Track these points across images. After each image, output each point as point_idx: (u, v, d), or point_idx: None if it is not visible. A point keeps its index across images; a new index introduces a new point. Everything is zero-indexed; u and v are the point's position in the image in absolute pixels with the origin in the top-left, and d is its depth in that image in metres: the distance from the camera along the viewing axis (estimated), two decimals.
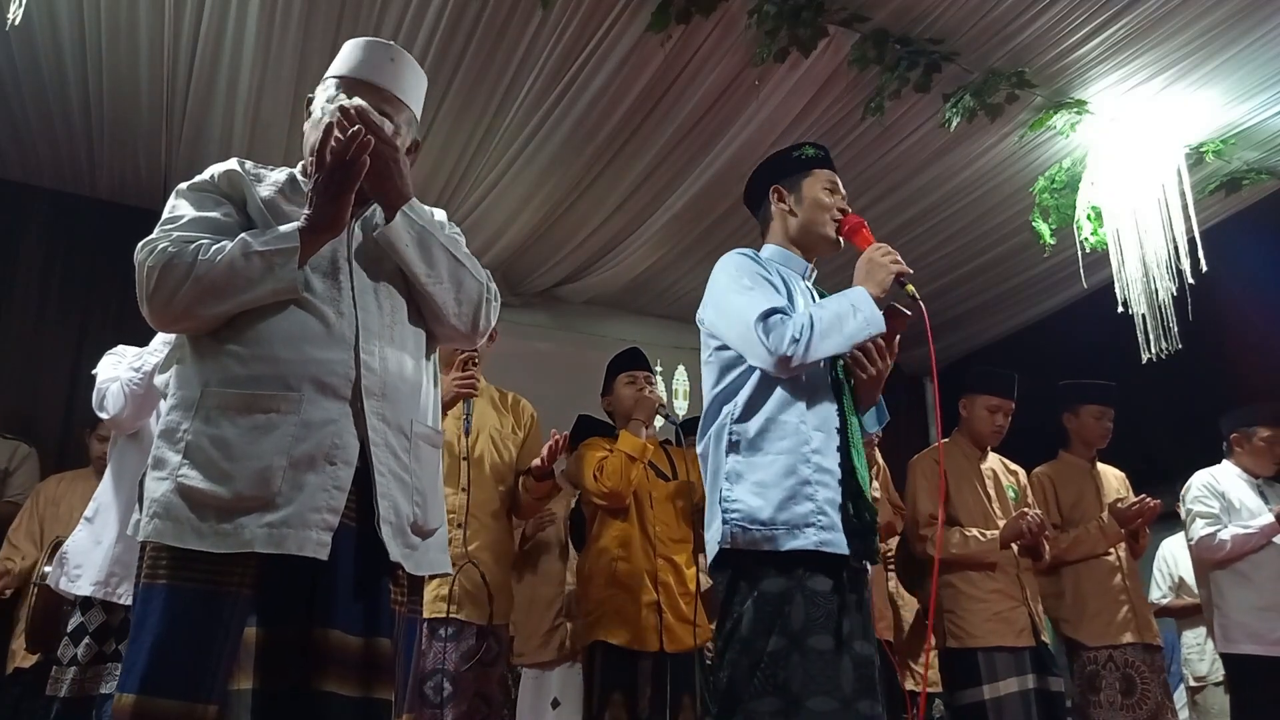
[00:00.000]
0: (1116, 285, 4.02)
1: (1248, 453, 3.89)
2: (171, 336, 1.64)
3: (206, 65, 3.73)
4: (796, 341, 1.92)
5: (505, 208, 4.67)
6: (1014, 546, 3.35)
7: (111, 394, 2.53)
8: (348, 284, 1.58)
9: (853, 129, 4.06)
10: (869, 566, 2.02)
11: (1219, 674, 4.16)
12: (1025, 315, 5.77)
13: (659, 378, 3.64)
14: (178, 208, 1.60)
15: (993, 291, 5.53)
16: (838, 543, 1.89)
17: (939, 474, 3.48)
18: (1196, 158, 4.13)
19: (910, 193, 4.56)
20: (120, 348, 2.71)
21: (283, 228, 1.53)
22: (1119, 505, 3.56)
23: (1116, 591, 3.52)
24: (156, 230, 1.56)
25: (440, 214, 1.83)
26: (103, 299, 4.62)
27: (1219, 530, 3.73)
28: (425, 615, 2.61)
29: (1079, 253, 4.17)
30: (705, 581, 3.15)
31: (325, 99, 1.68)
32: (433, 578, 2.60)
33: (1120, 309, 4.00)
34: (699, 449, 2.11)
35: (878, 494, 3.44)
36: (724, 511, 1.95)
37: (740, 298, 2.05)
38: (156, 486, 1.44)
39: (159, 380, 1.60)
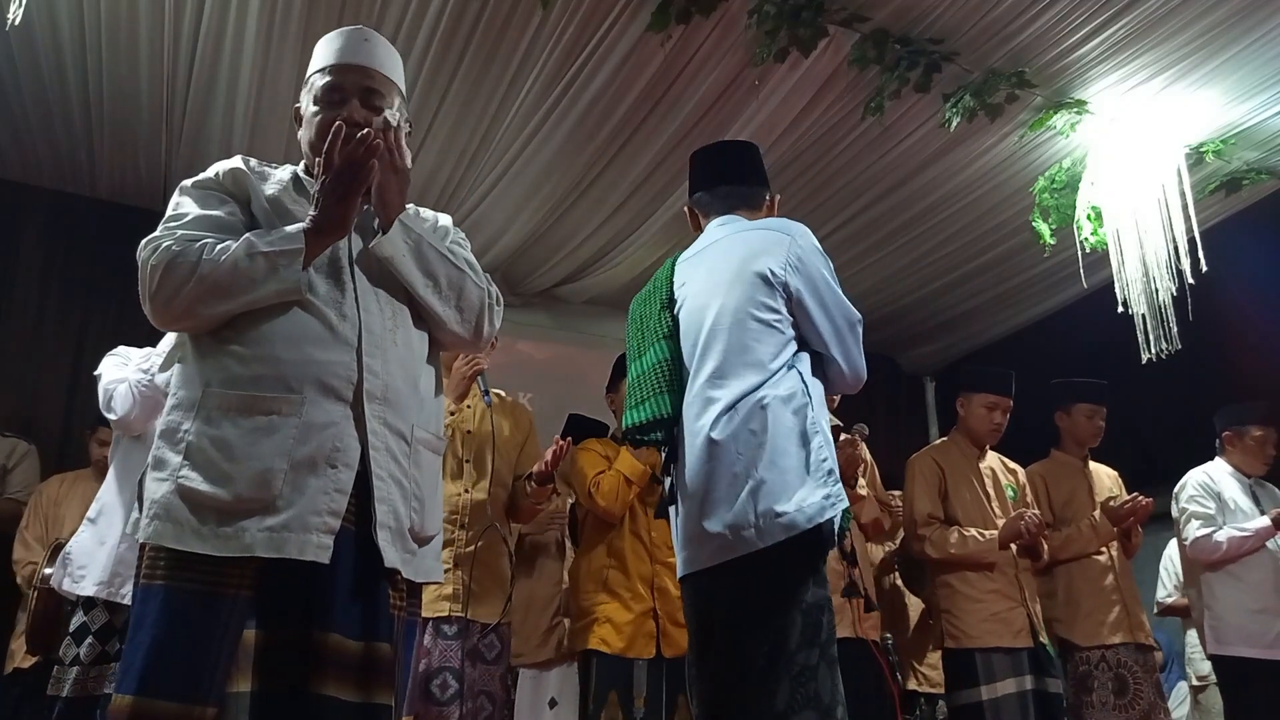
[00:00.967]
0: (1116, 285, 4.02)
1: (1239, 451, 3.90)
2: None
3: (206, 65, 3.73)
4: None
5: (505, 208, 4.67)
6: (1013, 547, 3.35)
7: (120, 395, 2.52)
8: (351, 286, 1.57)
9: (853, 129, 4.06)
10: None
11: None
12: (1025, 315, 5.76)
13: None
14: (181, 205, 1.60)
15: (993, 291, 5.52)
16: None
17: (936, 473, 3.48)
18: (1196, 158, 4.13)
19: (910, 193, 4.55)
20: (121, 349, 2.71)
21: (288, 229, 1.53)
22: (1111, 504, 3.55)
23: (1109, 591, 3.51)
24: (160, 228, 1.55)
25: (445, 219, 1.83)
26: (103, 299, 4.62)
27: (1215, 531, 3.73)
28: (430, 614, 2.62)
29: (1079, 253, 4.17)
30: None
31: (314, 97, 1.67)
32: None
33: (1120, 309, 4.00)
34: (724, 420, 1.90)
35: (864, 491, 3.41)
36: (828, 495, 1.83)
37: (841, 292, 2.03)
38: (157, 487, 1.43)
39: (160, 379, 1.60)
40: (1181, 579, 4.59)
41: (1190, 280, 3.85)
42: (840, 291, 2.03)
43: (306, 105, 1.70)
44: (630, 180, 4.43)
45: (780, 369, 1.94)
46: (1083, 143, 4.07)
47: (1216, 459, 3.96)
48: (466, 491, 2.81)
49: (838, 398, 2.98)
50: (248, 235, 1.51)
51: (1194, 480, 3.88)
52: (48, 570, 3.07)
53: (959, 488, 3.46)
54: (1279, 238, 4.43)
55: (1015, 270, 5.25)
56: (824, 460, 1.86)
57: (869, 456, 3.62)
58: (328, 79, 1.67)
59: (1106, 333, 4.22)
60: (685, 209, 2.32)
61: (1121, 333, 4.03)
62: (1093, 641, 3.45)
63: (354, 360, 1.52)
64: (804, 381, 1.94)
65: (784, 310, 1.98)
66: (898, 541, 3.97)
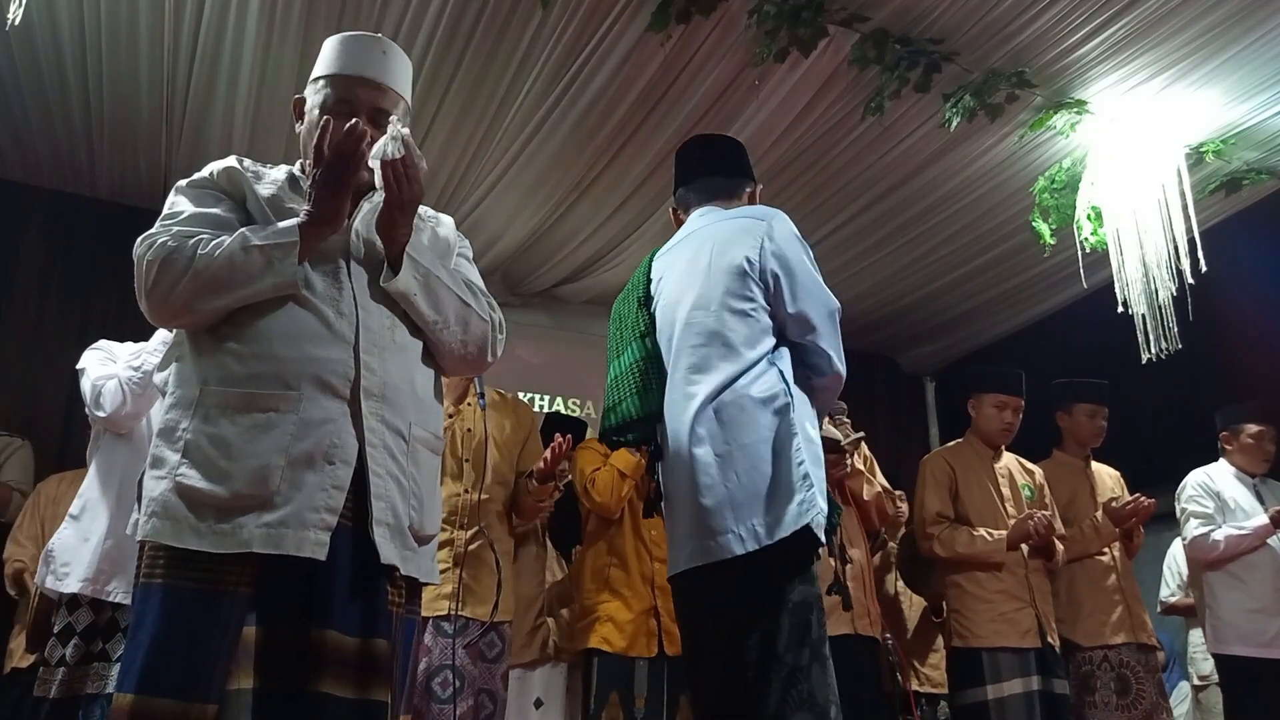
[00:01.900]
0: (1116, 285, 4.02)
1: (1238, 450, 3.91)
2: (171, 335, 1.63)
3: (206, 65, 3.73)
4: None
5: (505, 208, 4.67)
6: (1023, 547, 3.34)
7: (109, 391, 2.50)
8: (348, 284, 1.57)
9: (853, 129, 4.06)
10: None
11: None
12: (1025, 315, 5.76)
13: None
14: (177, 204, 1.60)
15: (993, 291, 5.52)
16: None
17: (948, 473, 3.48)
18: (1196, 158, 4.13)
19: (910, 193, 4.55)
20: (104, 343, 2.67)
21: (282, 223, 1.53)
22: (1113, 504, 3.55)
23: (1111, 591, 3.51)
24: (156, 225, 1.56)
25: (448, 224, 1.83)
26: (103, 299, 4.62)
27: (1212, 530, 3.74)
28: (430, 613, 2.62)
29: (1079, 253, 4.17)
30: None
31: (321, 102, 1.66)
32: None
33: (1120, 309, 4.00)
34: (705, 416, 1.88)
35: (859, 468, 3.37)
36: (802, 502, 1.78)
37: (821, 279, 1.97)
38: (155, 485, 1.44)
39: (158, 378, 1.60)
40: (1184, 579, 4.60)
41: (1190, 280, 3.85)
42: (820, 279, 1.97)
43: (312, 105, 1.69)
44: (630, 180, 4.43)
45: (758, 360, 1.89)
46: (1083, 143, 4.07)
47: (1220, 460, 3.96)
48: (466, 492, 2.81)
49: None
50: (243, 230, 1.52)
51: (1194, 480, 3.90)
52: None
53: (970, 488, 3.47)
54: (1279, 238, 4.42)
55: (1015, 270, 5.25)
56: (800, 464, 1.80)
57: (866, 449, 3.62)
58: (339, 90, 1.66)
59: (1106, 333, 4.22)
60: (670, 210, 2.30)
61: (1121, 333, 4.03)
62: (1095, 641, 3.45)
63: (351, 357, 1.52)
64: (785, 381, 1.88)
65: (760, 299, 1.92)
66: (896, 540, 3.97)
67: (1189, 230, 3.89)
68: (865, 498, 3.34)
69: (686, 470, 1.87)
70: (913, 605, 4.01)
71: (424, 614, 2.58)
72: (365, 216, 1.64)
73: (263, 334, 1.49)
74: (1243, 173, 4.28)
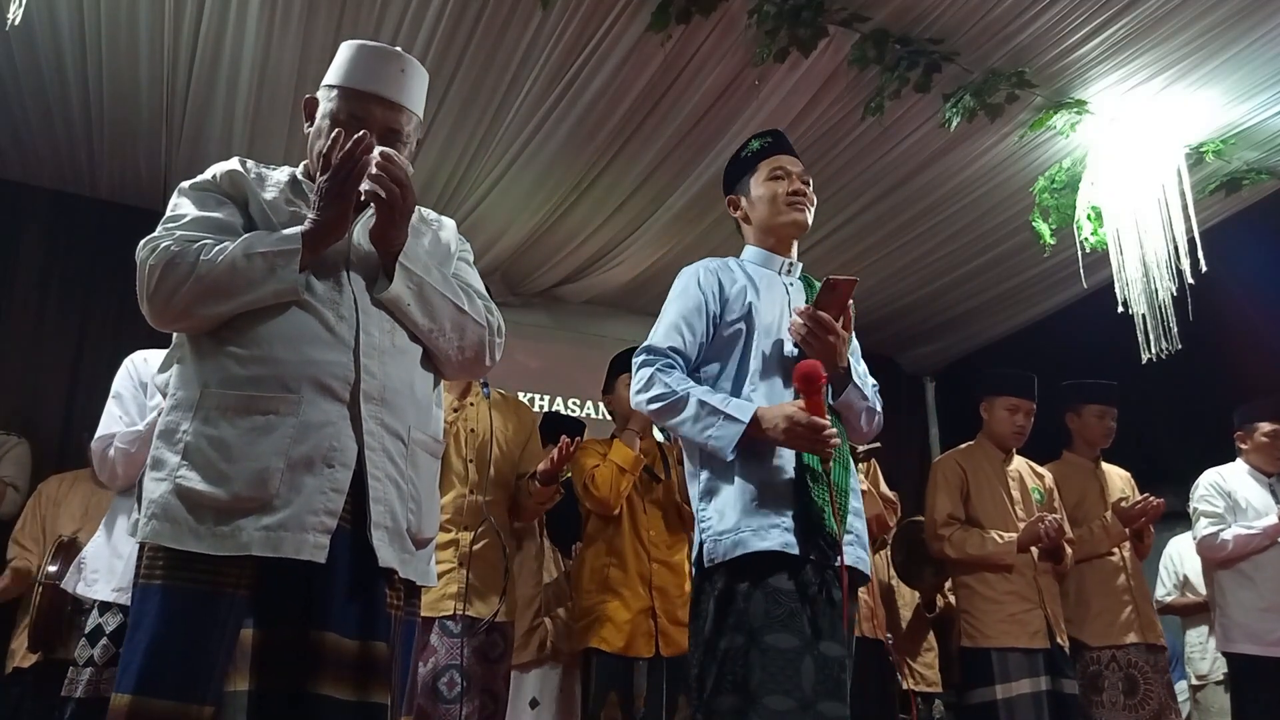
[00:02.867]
0: (1116, 285, 4.02)
1: (1253, 450, 3.91)
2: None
3: (206, 65, 3.73)
4: (646, 395, 1.99)
5: (505, 208, 4.67)
6: (1033, 550, 3.34)
7: (98, 456, 2.50)
8: (349, 287, 1.58)
9: (853, 129, 4.05)
10: (838, 564, 1.92)
11: (1220, 673, 4.17)
12: (1025, 315, 5.76)
13: None
14: (180, 206, 1.60)
15: (993, 291, 5.52)
16: (793, 543, 1.87)
17: (959, 475, 3.49)
18: (1196, 158, 4.12)
19: (910, 193, 4.55)
20: (141, 359, 2.65)
21: (286, 231, 1.53)
22: (1122, 505, 3.56)
23: (1120, 591, 3.52)
24: (159, 228, 1.56)
25: (450, 227, 1.83)
26: (103, 299, 4.62)
27: (1221, 530, 3.73)
28: (435, 613, 2.63)
29: (1079, 253, 4.16)
30: None
31: (334, 114, 1.65)
32: (441, 575, 2.62)
33: (1120, 309, 4.00)
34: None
35: (863, 486, 3.42)
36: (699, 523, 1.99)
37: (662, 318, 2.10)
38: (155, 487, 1.44)
39: (159, 380, 1.60)
40: (1181, 579, 4.61)
41: (1190, 280, 3.85)
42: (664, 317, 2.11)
43: (324, 113, 1.67)
44: (630, 180, 4.43)
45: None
46: (1083, 143, 4.07)
47: (1237, 460, 3.97)
48: (471, 492, 2.82)
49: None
50: (246, 236, 1.52)
51: (1205, 480, 3.90)
52: (51, 568, 3.07)
53: (981, 490, 3.47)
54: (1279, 238, 4.42)
55: (1015, 270, 5.25)
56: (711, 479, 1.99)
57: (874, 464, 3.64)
58: (354, 105, 1.64)
59: (1106, 333, 4.22)
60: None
61: (1121, 333, 4.03)
62: (1103, 641, 3.46)
63: (351, 361, 1.52)
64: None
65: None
66: (891, 538, 3.98)
67: (1189, 230, 3.89)
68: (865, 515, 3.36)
69: None
70: (905, 603, 4.02)
71: (429, 614, 2.60)
72: (367, 222, 1.64)
73: (263, 337, 1.50)
74: (1243, 173, 4.28)
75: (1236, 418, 4.00)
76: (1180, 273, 3.87)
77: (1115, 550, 3.58)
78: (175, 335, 1.60)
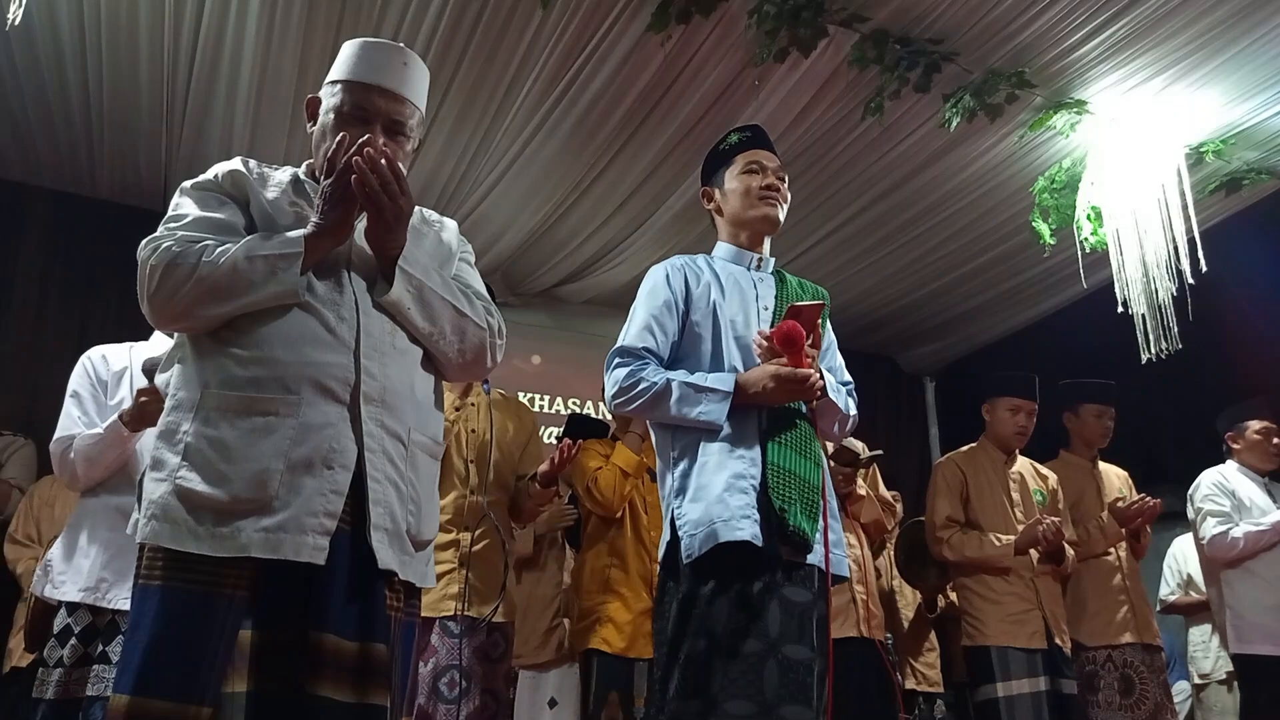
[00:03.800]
0: (1116, 285, 4.02)
1: (1245, 449, 3.90)
2: (168, 343, 1.63)
3: (206, 65, 3.73)
4: (628, 395, 2.00)
5: (505, 208, 4.67)
6: (1033, 552, 3.35)
7: (57, 458, 2.47)
8: (350, 289, 1.57)
9: (853, 129, 4.06)
10: (808, 565, 1.91)
11: (1222, 672, 4.16)
12: (1025, 315, 5.76)
13: None
14: (181, 206, 1.60)
15: (993, 291, 5.52)
16: (761, 536, 1.85)
17: (959, 477, 3.49)
18: (1196, 158, 4.13)
19: (910, 193, 4.55)
20: (99, 354, 2.58)
21: (289, 233, 1.53)
22: (1119, 505, 3.55)
23: (1116, 591, 3.51)
24: (160, 228, 1.56)
25: (452, 228, 1.82)
26: (103, 299, 4.62)
27: (1231, 528, 3.71)
28: (436, 614, 2.63)
29: (1079, 253, 4.17)
30: None
31: (337, 109, 1.65)
32: (442, 575, 2.61)
33: (1120, 309, 4.00)
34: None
35: (862, 491, 3.43)
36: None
37: (632, 318, 2.11)
38: (155, 488, 1.44)
39: (159, 380, 1.60)
40: (1185, 578, 4.60)
41: (1190, 280, 3.85)
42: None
43: (327, 109, 1.67)
44: (630, 180, 4.43)
45: None
46: (1083, 143, 4.07)
47: (1228, 462, 3.95)
48: (472, 493, 2.82)
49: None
50: (248, 238, 1.52)
51: (1208, 479, 3.88)
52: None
53: (981, 492, 3.47)
54: (1279, 238, 4.42)
55: (1015, 270, 5.25)
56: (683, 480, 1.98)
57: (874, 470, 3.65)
58: (357, 97, 1.64)
59: (1106, 333, 4.22)
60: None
61: (1121, 333, 4.03)
62: (1099, 641, 3.45)
63: (352, 362, 1.52)
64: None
65: None
66: (893, 539, 3.98)
67: (1189, 230, 3.89)
68: (863, 520, 3.41)
69: None
70: (906, 603, 4.03)
71: (430, 614, 2.60)
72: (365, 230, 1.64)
73: (264, 338, 1.49)
74: (1243, 173, 4.28)
75: (1223, 421, 3.99)
76: (1180, 273, 3.87)
77: (1111, 550, 3.57)
78: (176, 335, 1.60)
